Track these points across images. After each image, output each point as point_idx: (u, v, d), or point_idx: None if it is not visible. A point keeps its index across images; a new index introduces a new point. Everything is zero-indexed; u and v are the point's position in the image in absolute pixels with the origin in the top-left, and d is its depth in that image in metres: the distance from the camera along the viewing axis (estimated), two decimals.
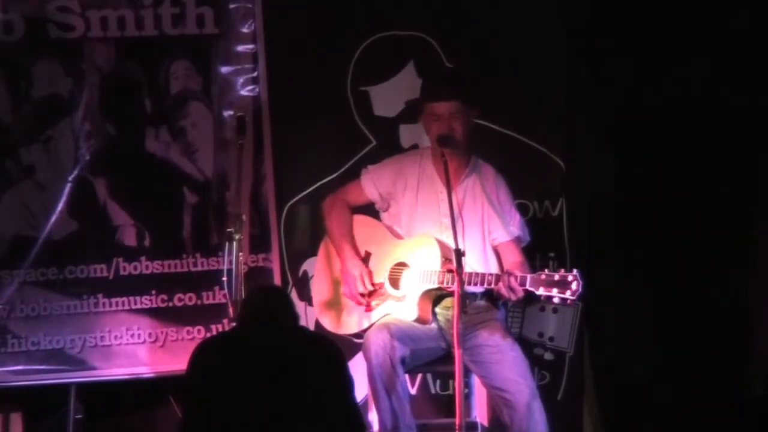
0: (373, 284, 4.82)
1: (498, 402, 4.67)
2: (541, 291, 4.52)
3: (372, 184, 4.96)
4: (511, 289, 4.55)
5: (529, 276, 4.55)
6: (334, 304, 4.94)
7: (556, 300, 4.55)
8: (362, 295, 4.81)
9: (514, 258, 4.84)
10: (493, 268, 4.84)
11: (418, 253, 4.76)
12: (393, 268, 4.82)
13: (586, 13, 5.51)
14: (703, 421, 5.31)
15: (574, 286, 4.48)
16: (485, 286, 4.64)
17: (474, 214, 4.84)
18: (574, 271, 4.52)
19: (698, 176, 5.42)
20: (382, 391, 4.60)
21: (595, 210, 5.54)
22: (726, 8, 5.38)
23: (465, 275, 4.54)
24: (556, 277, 4.51)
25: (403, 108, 5.53)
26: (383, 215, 5.02)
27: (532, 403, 4.59)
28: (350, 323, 4.89)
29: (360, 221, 4.99)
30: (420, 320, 4.76)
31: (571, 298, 4.49)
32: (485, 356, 4.69)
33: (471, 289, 4.66)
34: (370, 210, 5.05)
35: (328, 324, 4.95)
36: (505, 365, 4.66)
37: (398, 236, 4.91)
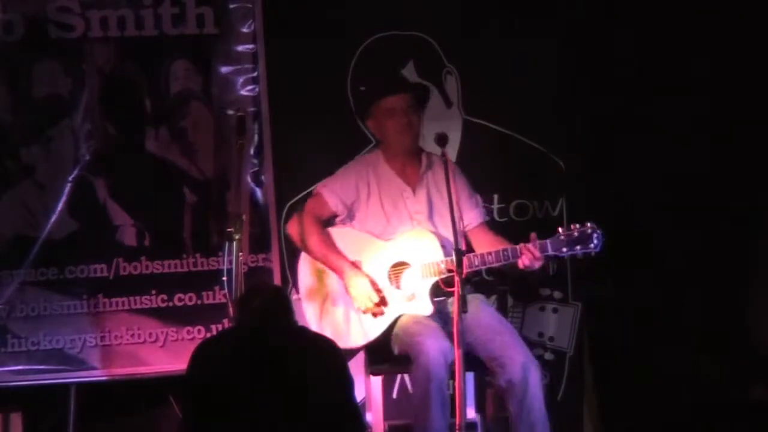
0: (379, 290, 4.72)
1: (497, 371, 4.56)
2: (564, 251, 4.51)
3: (335, 196, 4.87)
4: (534, 257, 4.51)
5: (548, 241, 4.52)
6: (334, 319, 4.83)
7: (580, 256, 4.52)
8: (377, 304, 4.71)
9: (489, 237, 4.81)
10: None
11: (416, 248, 4.71)
12: (392, 269, 4.78)
13: (586, 13, 5.52)
14: (703, 421, 5.31)
15: (594, 238, 4.49)
16: (503, 261, 4.58)
17: (444, 206, 4.71)
18: (588, 223, 4.52)
19: (698, 175, 5.42)
20: (437, 399, 4.45)
21: (595, 210, 5.54)
22: (728, 12, 5.39)
23: (477, 256, 4.56)
24: (575, 233, 4.50)
25: None
26: (352, 224, 4.91)
27: (528, 363, 4.51)
28: (356, 335, 4.78)
29: (336, 233, 4.88)
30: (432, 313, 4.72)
31: (596, 250, 4.50)
32: (480, 336, 4.61)
33: (489, 266, 4.63)
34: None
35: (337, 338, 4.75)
36: (501, 337, 4.60)
37: (380, 238, 4.83)
